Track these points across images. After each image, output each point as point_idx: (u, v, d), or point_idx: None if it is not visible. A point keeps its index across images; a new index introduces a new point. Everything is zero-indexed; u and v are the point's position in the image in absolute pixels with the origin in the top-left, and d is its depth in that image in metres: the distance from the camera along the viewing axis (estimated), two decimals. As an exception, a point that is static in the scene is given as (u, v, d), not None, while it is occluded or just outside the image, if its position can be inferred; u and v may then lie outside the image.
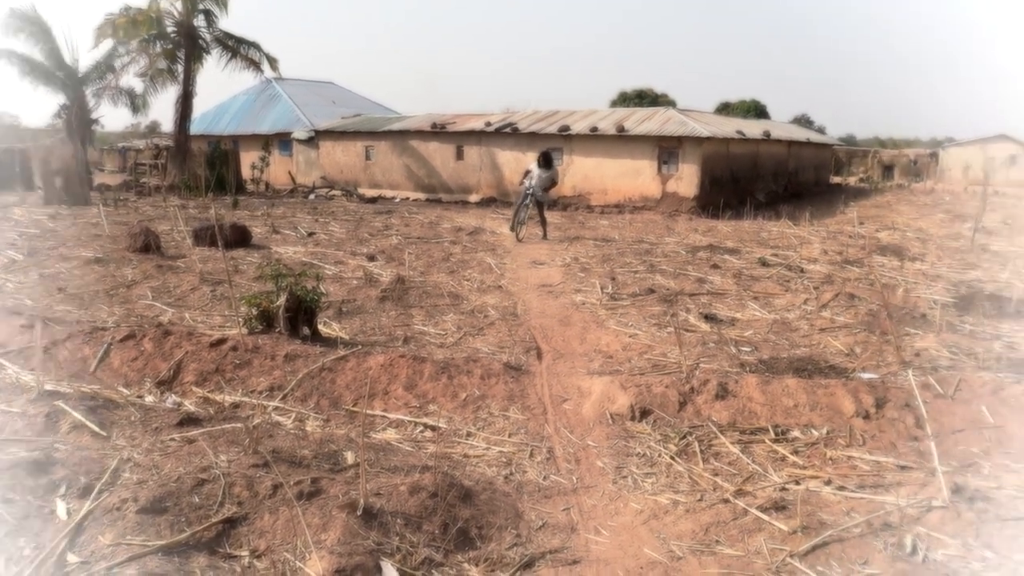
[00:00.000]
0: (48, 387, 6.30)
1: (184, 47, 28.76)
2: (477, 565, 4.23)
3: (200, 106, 33.45)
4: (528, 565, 4.28)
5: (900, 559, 4.16)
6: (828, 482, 5.29)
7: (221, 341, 7.50)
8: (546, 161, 16.83)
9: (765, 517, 4.68)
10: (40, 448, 5.07)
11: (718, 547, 4.43)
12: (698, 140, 23.59)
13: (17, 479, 4.53)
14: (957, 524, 4.46)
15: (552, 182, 17.09)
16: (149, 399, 6.63)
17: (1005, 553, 4.18)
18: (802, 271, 12.94)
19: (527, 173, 16.97)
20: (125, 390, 6.81)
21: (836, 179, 44.32)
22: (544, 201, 17.17)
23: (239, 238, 14.60)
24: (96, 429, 5.54)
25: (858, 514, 4.71)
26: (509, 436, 6.12)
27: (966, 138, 47.45)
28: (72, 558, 3.89)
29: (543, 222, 17.14)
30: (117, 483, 4.63)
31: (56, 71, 28.03)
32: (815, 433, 6.11)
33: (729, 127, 27.94)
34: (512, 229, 16.86)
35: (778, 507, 4.82)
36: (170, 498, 4.41)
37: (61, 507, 4.33)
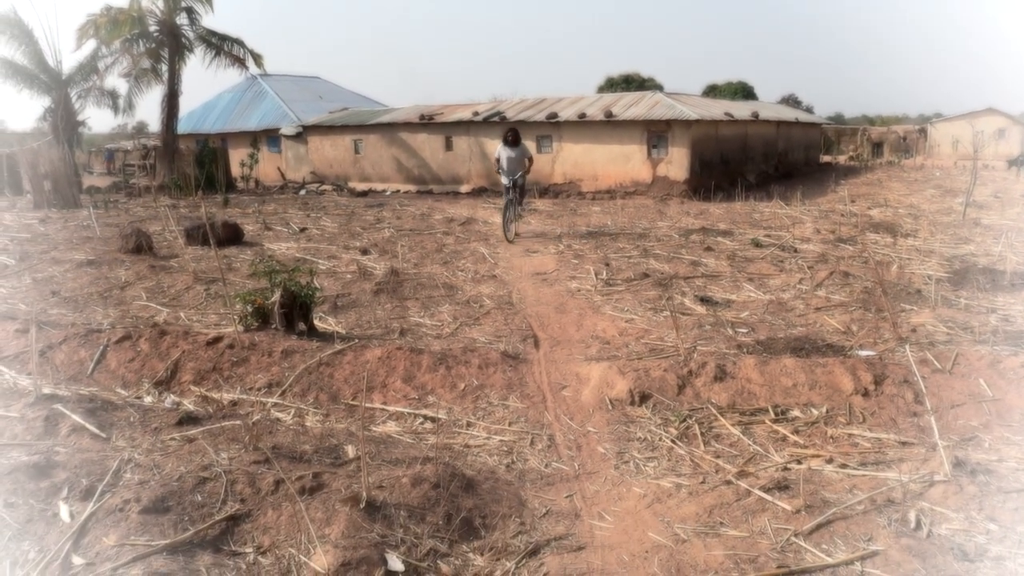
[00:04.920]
0: (46, 391, 6.28)
1: (167, 46, 28.55)
2: (482, 554, 4.23)
3: (186, 105, 33.43)
4: (533, 553, 4.27)
5: (905, 535, 4.16)
6: (830, 460, 5.30)
7: (217, 339, 7.47)
8: (514, 138, 14.81)
9: (768, 497, 4.68)
10: (40, 452, 5.04)
11: (722, 529, 4.43)
12: (687, 123, 23.55)
13: (19, 483, 4.51)
14: (960, 498, 4.47)
15: (526, 160, 14.87)
16: (147, 400, 6.62)
17: (1009, 525, 4.19)
18: (796, 251, 12.94)
19: (497, 161, 14.99)
20: (123, 391, 6.80)
21: (826, 158, 44.36)
22: (523, 184, 15.06)
23: (231, 236, 14.54)
24: (95, 431, 5.52)
25: (861, 491, 4.72)
26: (509, 425, 6.11)
27: (954, 113, 47.52)
28: (77, 560, 3.87)
29: (515, 207, 14.91)
30: (119, 484, 4.61)
31: (39, 74, 27.81)
32: (815, 412, 6.12)
33: (717, 109, 27.91)
34: (505, 229, 14.96)
35: (781, 487, 4.82)
36: (172, 497, 4.39)
37: (64, 510, 4.31)
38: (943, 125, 47.16)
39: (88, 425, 5.58)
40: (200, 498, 4.43)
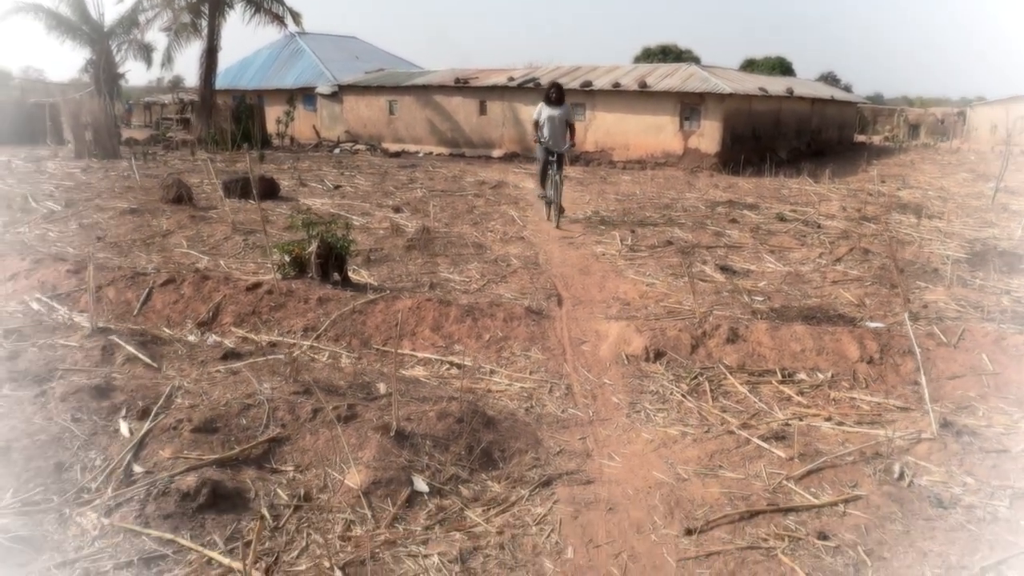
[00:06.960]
0: (100, 324, 6.74)
1: (208, 1, 28.93)
2: (499, 482, 4.64)
3: (224, 61, 33.56)
4: (546, 483, 4.68)
5: (887, 483, 4.52)
6: (828, 418, 5.64)
7: (257, 285, 7.90)
8: (557, 96, 12.65)
9: (765, 445, 5.05)
10: (100, 376, 5.51)
11: (721, 471, 4.81)
12: (720, 97, 23.63)
13: (83, 402, 4.98)
14: (943, 455, 4.82)
15: (569, 123, 12.77)
16: (191, 338, 7.07)
17: (984, 480, 4.54)
18: (819, 227, 13.15)
19: (537, 124, 12.79)
20: (168, 330, 7.25)
21: (861, 137, 44.03)
22: (566, 154, 13.11)
23: (267, 190, 14.95)
24: (148, 361, 5.98)
25: (852, 444, 5.08)
26: (530, 374, 6.50)
27: (996, 97, 46.81)
28: (137, 468, 4.34)
29: (558, 187, 12.70)
30: (171, 407, 5.07)
31: (82, 25, 28.29)
32: (820, 376, 6.45)
33: (752, 84, 27.90)
34: (547, 207, 13.16)
35: (778, 437, 5.19)
36: (220, 420, 4.84)
37: (124, 426, 4.78)
38: (983, 109, 46.47)
39: (141, 355, 6.05)
40: (245, 422, 4.88)
